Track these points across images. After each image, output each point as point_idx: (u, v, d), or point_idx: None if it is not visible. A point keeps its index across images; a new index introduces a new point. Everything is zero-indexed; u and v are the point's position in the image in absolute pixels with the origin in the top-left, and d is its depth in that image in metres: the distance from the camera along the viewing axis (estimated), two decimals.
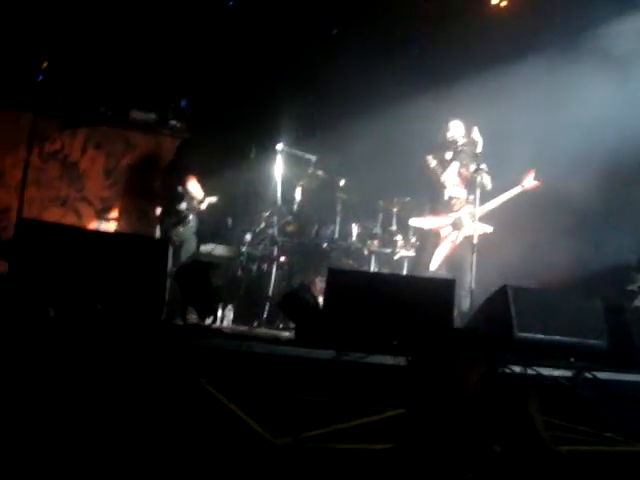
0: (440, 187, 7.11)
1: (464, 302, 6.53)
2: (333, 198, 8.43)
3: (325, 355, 5.26)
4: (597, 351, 5.75)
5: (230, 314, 7.25)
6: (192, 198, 7.71)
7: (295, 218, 8.24)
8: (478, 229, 6.77)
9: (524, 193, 7.10)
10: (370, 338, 5.59)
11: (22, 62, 8.05)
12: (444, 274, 6.94)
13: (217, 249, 8.30)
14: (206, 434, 3.27)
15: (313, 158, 8.29)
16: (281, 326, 7.39)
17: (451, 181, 7.08)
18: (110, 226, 8.84)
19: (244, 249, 8.15)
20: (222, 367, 4.68)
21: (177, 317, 6.53)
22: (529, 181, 7.07)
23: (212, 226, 8.42)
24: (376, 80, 9.10)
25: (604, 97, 7.58)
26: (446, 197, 7.10)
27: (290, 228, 8.20)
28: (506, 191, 7.10)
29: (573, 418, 4.17)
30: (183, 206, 7.63)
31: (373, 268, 8.04)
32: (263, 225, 8.22)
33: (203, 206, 7.85)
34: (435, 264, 6.97)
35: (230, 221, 8.76)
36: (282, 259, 8.00)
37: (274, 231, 7.96)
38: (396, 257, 8.01)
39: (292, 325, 6.72)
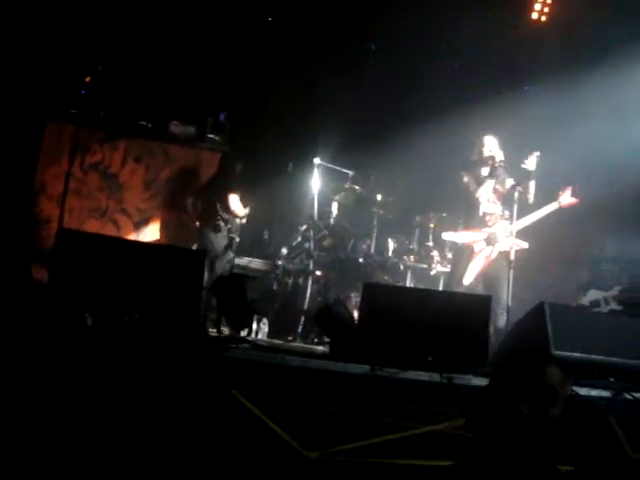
0: (475, 203, 7.05)
1: (500, 319, 6.45)
2: (369, 213, 8.44)
3: (359, 370, 5.24)
4: (638, 371, 5.61)
5: (265, 327, 7.25)
6: (234, 215, 7.75)
7: (331, 232, 8.22)
8: (514, 245, 6.71)
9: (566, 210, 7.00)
10: (405, 354, 5.55)
11: (66, 76, 8.23)
12: (480, 290, 6.88)
13: (253, 262, 8.31)
14: (238, 445, 3.27)
15: (350, 173, 8.30)
16: (316, 340, 7.36)
17: (486, 197, 7.02)
18: (148, 238, 8.91)
19: (280, 263, 8.14)
20: (255, 379, 4.69)
21: (210, 328, 6.58)
22: (566, 198, 6.96)
23: (249, 239, 8.46)
24: (414, 96, 9.12)
25: None
26: (480, 213, 7.03)
27: (326, 242, 8.20)
28: (542, 207, 7.00)
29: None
30: (222, 223, 7.66)
31: (409, 283, 7.99)
32: (299, 239, 8.22)
33: (244, 221, 7.90)
34: (469, 279, 6.89)
35: (267, 235, 8.78)
36: (318, 273, 7.99)
37: (310, 245, 7.94)
38: (432, 273, 7.95)
39: (327, 339, 6.70)
